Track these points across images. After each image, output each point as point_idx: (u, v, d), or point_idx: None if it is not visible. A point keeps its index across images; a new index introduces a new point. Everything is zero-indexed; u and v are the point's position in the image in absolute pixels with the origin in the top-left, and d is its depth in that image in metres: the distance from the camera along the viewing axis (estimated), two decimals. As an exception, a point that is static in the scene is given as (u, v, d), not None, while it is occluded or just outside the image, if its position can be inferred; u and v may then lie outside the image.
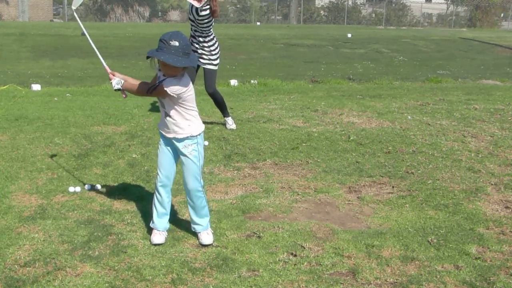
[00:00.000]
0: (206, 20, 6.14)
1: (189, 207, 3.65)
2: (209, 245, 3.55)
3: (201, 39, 6.26)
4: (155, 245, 3.54)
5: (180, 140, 3.47)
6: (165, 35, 3.25)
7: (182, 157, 3.53)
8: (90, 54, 15.45)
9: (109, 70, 3.63)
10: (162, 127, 3.53)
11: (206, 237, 3.59)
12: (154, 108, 7.59)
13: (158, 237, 3.59)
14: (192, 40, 6.27)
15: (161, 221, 3.63)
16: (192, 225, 3.66)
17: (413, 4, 43.73)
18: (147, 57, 3.31)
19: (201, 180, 3.58)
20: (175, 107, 3.40)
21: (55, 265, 3.25)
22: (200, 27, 6.19)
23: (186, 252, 3.47)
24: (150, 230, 3.68)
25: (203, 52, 6.29)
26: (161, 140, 3.58)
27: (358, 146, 5.89)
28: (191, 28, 6.29)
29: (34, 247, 3.48)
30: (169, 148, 3.55)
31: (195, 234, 3.67)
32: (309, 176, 4.97)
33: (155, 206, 3.63)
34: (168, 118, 3.44)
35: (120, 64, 14.16)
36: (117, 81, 3.53)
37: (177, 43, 3.20)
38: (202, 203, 3.60)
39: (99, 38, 18.56)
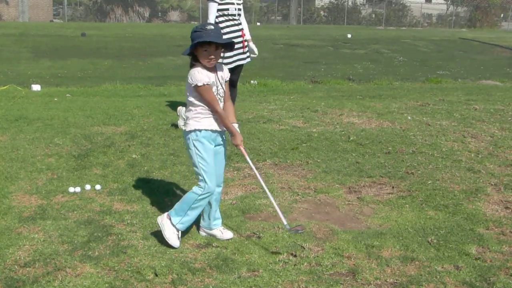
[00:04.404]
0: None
1: (214, 204, 3.65)
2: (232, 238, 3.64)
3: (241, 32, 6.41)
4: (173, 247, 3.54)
5: (224, 132, 3.58)
6: (196, 26, 3.37)
7: (223, 151, 3.62)
8: (89, 54, 15.49)
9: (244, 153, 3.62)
10: (219, 125, 3.49)
11: (226, 232, 3.67)
12: (154, 109, 7.60)
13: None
14: (238, 35, 6.33)
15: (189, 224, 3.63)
16: (213, 222, 3.66)
17: (413, 5, 43.75)
18: (189, 53, 3.36)
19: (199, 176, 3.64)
20: None
21: (55, 265, 3.25)
22: (239, 16, 6.37)
23: (186, 253, 3.46)
24: (151, 232, 3.68)
25: (242, 46, 6.44)
26: (209, 142, 3.49)
27: (358, 146, 5.89)
28: (233, 25, 6.33)
29: (34, 247, 3.48)
30: (215, 147, 3.54)
31: (195, 233, 3.67)
32: (309, 176, 4.97)
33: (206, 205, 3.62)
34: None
35: (120, 64, 14.16)
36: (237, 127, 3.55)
37: (212, 27, 3.33)
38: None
39: (99, 39, 18.59)
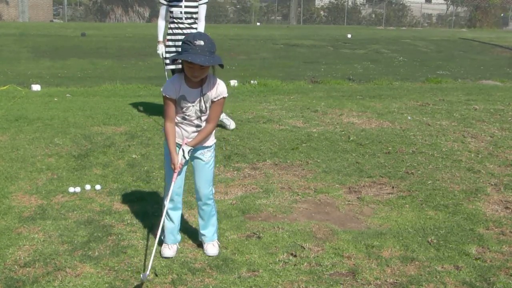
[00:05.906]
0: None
1: (198, 216, 3.55)
2: (213, 256, 3.43)
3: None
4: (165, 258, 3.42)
5: (205, 147, 3.39)
6: (188, 36, 3.13)
7: (197, 163, 3.40)
8: (89, 54, 15.49)
9: (177, 168, 3.30)
10: (182, 139, 3.34)
11: (211, 248, 3.47)
12: (154, 109, 7.59)
13: (167, 251, 3.45)
14: (180, 38, 6.28)
15: (170, 235, 3.49)
16: (200, 236, 3.56)
17: (413, 5, 43.74)
18: (173, 62, 3.26)
19: (213, 188, 3.51)
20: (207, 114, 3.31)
21: (55, 265, 3.25)
22: (194, 18, 6.40)
23: (186, 253, 3.47)
24: (151, 233, 3.68)
25: None
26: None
27: (358, 146, 5.89)
28: (176, 28, 6.38)
29: (34, 247, 3.48)
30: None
31: (195, 234, 3.68)
32: (309, 176, 4.97)
33: (166, 219, 3.43)
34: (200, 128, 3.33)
35: (120, 64, 14.16)
36: (186, 151, 3.29)
37: (202, 42, 3.06)
38: (212, 211, 3.50)
39: (99, 39, 18.58)
